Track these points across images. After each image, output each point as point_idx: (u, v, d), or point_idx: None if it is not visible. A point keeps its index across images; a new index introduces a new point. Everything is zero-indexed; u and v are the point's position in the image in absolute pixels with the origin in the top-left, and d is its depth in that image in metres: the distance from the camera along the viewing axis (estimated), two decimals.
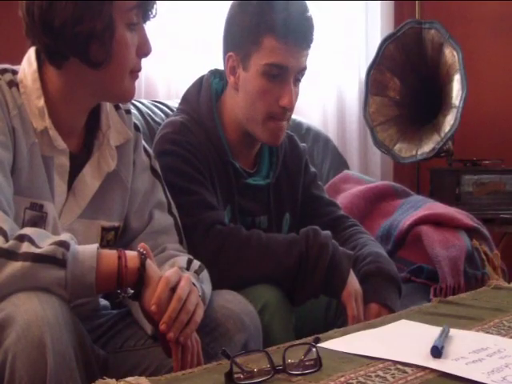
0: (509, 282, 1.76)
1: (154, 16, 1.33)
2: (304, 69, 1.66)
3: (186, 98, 1.78)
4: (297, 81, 1.67)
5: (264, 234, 1.60)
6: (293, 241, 1.57)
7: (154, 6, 1.32)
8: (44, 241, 1.11)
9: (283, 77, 1.62)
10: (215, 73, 1.75)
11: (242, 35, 1.64)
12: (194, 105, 1.73)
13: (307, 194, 1.85)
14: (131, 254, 1.16)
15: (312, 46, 1.68)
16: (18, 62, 1.32)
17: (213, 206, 1.60)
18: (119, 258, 1.14)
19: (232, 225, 1.61)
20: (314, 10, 3.08)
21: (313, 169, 1.93)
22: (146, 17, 1.32)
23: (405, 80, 3.18)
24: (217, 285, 1.42)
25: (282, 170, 1.81)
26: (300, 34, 1.62)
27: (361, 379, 0.98)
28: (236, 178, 1.70)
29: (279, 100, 1.63)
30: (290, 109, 1.65)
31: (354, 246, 1.72)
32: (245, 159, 1.75)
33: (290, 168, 1.84)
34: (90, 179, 1.34)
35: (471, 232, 2.29)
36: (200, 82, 1.76)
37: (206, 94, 1.72)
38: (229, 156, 1.69)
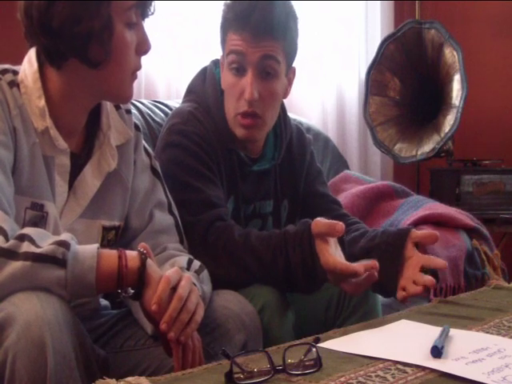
0: (509, 282, 1.76)
1: (153, 13, 1.33)
2: (266, 58, 1.62)
3: (191, 89, 1.78)
4: (266, 74, 1.63)
5: (255, 234, 1.58)
6: (277, 247, 1.53)
7: (152, 3, 1.32)
8: (44, 240, 1.11)
9: (244, 69, 1.63)
10: (217, 63, 1.76)
11: (220, 38, 1.69)
12: (200, 94, 1.74)
13: (311, 189, 1.85)
14: (131, 254, 1.16)
15: (280, 36, 1.62)
16: (19, 62, 1.32)
17: (215, 204, 1.59)
18: (119, 257, 1.14)
19: (230, 221, 1.61)
20: (314, 10, 3.12)
21: (318, 164, 1.93)
22: (144, 14, 1.32)
23: (405, 80, 3.18)
24: (214, 284, 1.42)
25: (285, 155, 1.81)
26: (256, 24, 1.59)
27: (361, 379, 0.98)
28: (240, 166, 1.71)
29: (243, 94, 1.63)
30: (251, 102, 1.62)
31: (356, 229, 1.74)
32: (253, 147, 1.75)
33: (294, 154, 1.84)
34: (91, 179, 1.34)
35: (471, 232, 2.29)
36: (204, 73, 1.77)
37: (211, 84, 1.73)
38: (234, 145, 1.69)
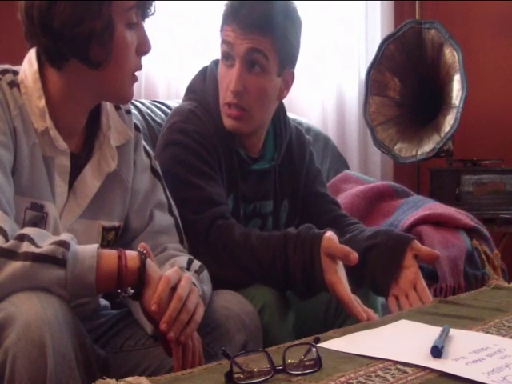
0: (509, 282, 1.75)
1: (153, 13, 1.34)
2: (253, 51, 1.63)
3: (191, 88, 1.80)
4: (253, 68, 1.64)
5: (255, 234, 1.58)
6: (277, 248, 1.54)
7: (153, 3, 1.32)
8: (44, 240, 1.11)
9: (233, 60, 1.64)
10: (217, 63, 1.76)
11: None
12: (200, 93, 1.75)
13: (311, 189, 1.86)
14: (131, 254, 1.16)
15: (269, 31, 1.63)
16: (19, 62, 1.32)
17: (216, 201, 1.60)
18: (119, 257, 1.14)
19: (232, 220, 1.61)
20: (314, 10, 3.12)
21: (317, 165, 1.94)
22: (144, 15, 1.32)
23: (405, 80, 3.18)
24: (214, 284, 1.42)
25: (285, 155, 1.82)
26: (244, 18, 1.62)
27: (361, 379, 0.98)
28: (240, 165, 1.72)
29: (229, 84, 1.65)
30: (234, 93, 1.63)
31: (355, 229, 1.74)
32: (251, 145, 1.75)
33: (294, 155, 1.85)
34: (91, 179, 1.34)
35: (471, 232, 2.29)
36: (204, 72, 1.79)
37: (211, 83, 1.73)
38: (234, 143, 1.70)
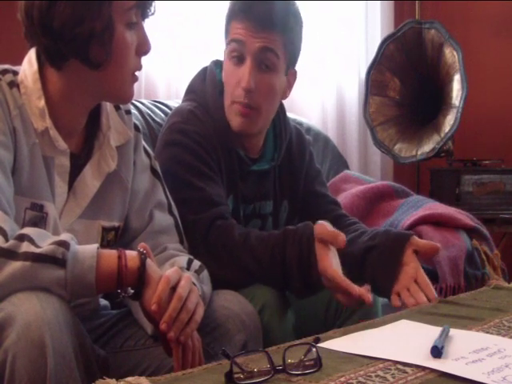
0: (509, 282, 1.76)
1: (153, 13, 1.34)
2: (266, 50, 1.63)
3: (191, 88, 1.79)
4: (264, 66, 1.64)
5: (255, 233, 1.58)
6: (276, 246, 1.54)
7: (153, 3, 1.32)
8: (44, 240, 1.11)
9: (243, 58, 1.64)
10: (217, 63, 1.76)
11: (224, 29, 1.71)
12: (200, 93, 1.75)
13: (310, 189, 1.86)
14: (131, 254, 1.16)
15: (281, 30, 1.63)
16: (19, 62, 1.32)
17: (216, 202, 1.60)
18: (119, 257, 1.14)
19: (231, 220, 1.61)
20: (314, 10, 3.13)
21: (317, 165, 1.94)
22: (144, 15, 1.32)
23: (405, 80, 3.18)
24: (214, 284, 1.42)
25: (285, 156, 1.82)
26: (257, 15, 1.62)
27: (361, 379, 0.98)
28: (240, 166, 1.72)
29: (240, 82, 1.64)
30: (246, 91, 1.63)
31: (355, 229, 1.74)
32: (251, 146, 1.75)
33: (294, 155, 1.85)
34: (91, 179, 1.34)
35: (471, 232, 2.29)
36: (204, 72, 1.78)
37: (211, 83, 1.73)
38: (234, 144, 1.70)
